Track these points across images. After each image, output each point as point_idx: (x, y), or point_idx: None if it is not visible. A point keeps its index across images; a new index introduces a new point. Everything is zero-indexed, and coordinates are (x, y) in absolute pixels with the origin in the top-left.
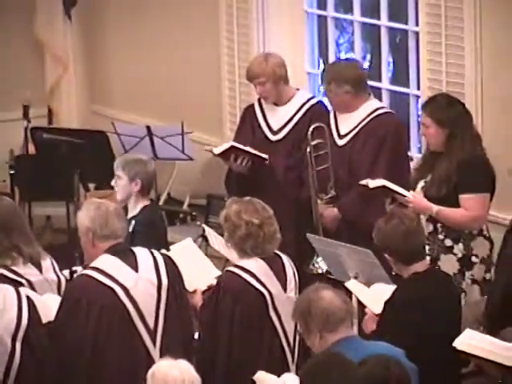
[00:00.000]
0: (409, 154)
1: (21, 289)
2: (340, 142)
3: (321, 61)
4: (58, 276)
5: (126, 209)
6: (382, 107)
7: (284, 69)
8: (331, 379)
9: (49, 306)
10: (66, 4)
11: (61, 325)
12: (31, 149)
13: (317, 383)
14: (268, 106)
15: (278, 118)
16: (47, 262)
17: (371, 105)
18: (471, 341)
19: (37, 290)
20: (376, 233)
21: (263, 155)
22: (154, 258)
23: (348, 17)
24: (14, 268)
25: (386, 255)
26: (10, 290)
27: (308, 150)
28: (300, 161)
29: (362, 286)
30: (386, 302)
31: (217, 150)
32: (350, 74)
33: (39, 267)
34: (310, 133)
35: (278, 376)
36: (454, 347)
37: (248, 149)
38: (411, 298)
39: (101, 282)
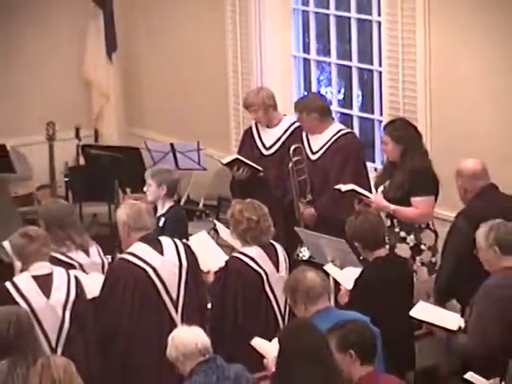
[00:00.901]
0: (373, 165)
1: (70, 270)
2: (313, 157)
3: (305, 93)
4: (102, 259)
5: (155, 208)
6: (344, 128)
7: (273, 99)
8: (300, 337)
9: (94, 284)
10: (108, 49)
11: (104, 298)
12: (82, 161)
13: (289, 340)
14: (262, 127)
15: (270, 137)
16: (94, 249)
17: (335, 127)
18: (423, 310)
19: (86, 271)
20: (348, 226)
21: (259, 167)
22: (176, 245)
23: (326, 59)
24: (68, 253)
25: (355, 243)
26: (61, 271)
27: (290, 165)
28: (285, 171)
29: (337, 269)
30: (356, 280)
31: (224, 161)
32: (316, 105)
33: (87, 253)
34: (291, 151)
35: (271, 339)
36: (410, 315)
37: (248, 161)
38: (375, 277)
39: (135, 264)
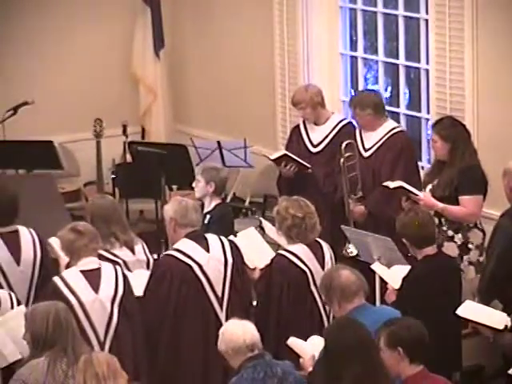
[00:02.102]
0: (420, 163)
1: (117, 266)
2: (365, 154)
3: (352, 91)
4: (147, 257)
5: (202, 205)
6: (397, 127)
7: (321, 96)
8: (345, 334)
9: (138, 283)
10: (155, 46)
11: (149, 293)
12: (128, 158)
13: (335, 338)
14: (310, 125)
15: (318, 135)
16: (139, 246)
17: (388, 125)
18: (470, 309)
19: (130, 268)
20: (397, 222)
21: (307, 164)
22: (222, 242)
23: (374, 57)
24: (112, 251)
25: (403, 240)
26: (109, 266)
27: (341, 161)
28: (334, 169)
29: (384, 268)
30: (403, 279)
31: (272, 156)
32: (371, 101)
33: (132, 250)
34: (342, 147)
35: None
36: (457, 314)
37: (296, 158)
38: (423, 275)
39: (181, 260)
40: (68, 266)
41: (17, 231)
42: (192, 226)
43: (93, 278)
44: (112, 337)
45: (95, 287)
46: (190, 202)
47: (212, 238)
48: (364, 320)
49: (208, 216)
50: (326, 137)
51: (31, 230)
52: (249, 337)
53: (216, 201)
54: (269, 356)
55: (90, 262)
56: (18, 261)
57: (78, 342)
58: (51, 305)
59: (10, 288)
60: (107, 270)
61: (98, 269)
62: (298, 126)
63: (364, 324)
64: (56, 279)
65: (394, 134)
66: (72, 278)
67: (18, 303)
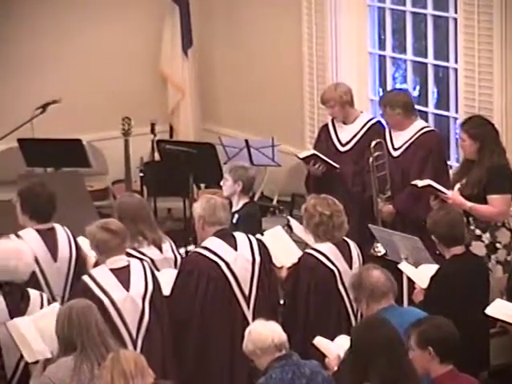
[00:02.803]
0: (448, 162)
1: (145, 262)
2: (395, 154)
3: (380, 90)
4: (175, 255)
5: (230, 204)
6: (427, 126)
7: (350, 95)
8: (372, 332)
9: (165, 281)
10: (184, 44)
11: (177, 291)
12: (157, 157)
13: (363, 337)
14: (338, 124)
15: (346, 134)
16: (167, 245)
17: (418, 124)
18: (499, 308)
19: (158, 266)
20: (428, 219)
21: (335, 164)
22: (250, 241)
23: (402, 56)
24: (140, 249)
25: (433, 237)
26: (137, 263)
27: (370, 160)
28: (363, 168)
29: (412, 267)
30: (431, 278)
31: (301, 155)
32: (401, 100)
33: (160, 248)
34: (372, 147)
35: None
36: (485, 313)
37: (325, 158)
38: (451, 275)
39: (208, 258)
40: (96, 265)
41: (53, 228)
42: (220, 224)
43: (122, 275)
44: (144, 334)
45: (126, 285)
46: (218, 200)
47: (240, 237)
48: (391, 321)
49: (236, 215)
50: (355, 136)
51: (65, 228)
52: (277, 336)
53: (244, 200)
54: (296, 356)
55: (119, 260)
56: (55, 257)
57: (105, 341)
58: (69, 304)
59: (47, 284)
60: (136, 267)
61: (127, 266)
62: (326, 125)
63: (392, 323)
64: (86, 278)
65: (424, 133)
66: (102, 276)
67: (49, 303)
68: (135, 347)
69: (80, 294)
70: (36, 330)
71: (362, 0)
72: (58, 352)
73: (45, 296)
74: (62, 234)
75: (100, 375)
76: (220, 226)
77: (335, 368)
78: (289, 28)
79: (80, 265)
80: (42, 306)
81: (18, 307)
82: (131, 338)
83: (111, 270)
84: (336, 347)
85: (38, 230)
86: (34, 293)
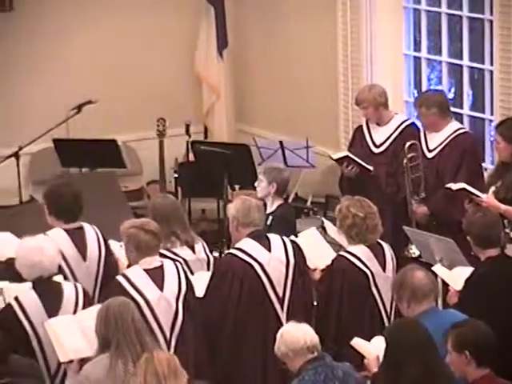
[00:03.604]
0: (483, 164)
1: (177, 263)
2: (429, 155)
3: (415, 92)
4: (207, 256)
5: (265, 205)
6: (462, 128)
7: (384, 97)
8: (404, 335)
9: (199, 283)
10: (219, 46)
11: (211, 292)
12: (191, 157)
13: (396, 338)
14: (372, 125)
15: (380, 135)
16: (199, 245)
17: (453, 126)
18: None
19: (190, 267)
20: (464, 220)
21: (369, 167)
22: (284, 242)
23: (437, 58)
24: (173, 249)
25: (468, 239)
26: (170, 263)
27: (405, 161)
28: (397, 169)
29: (446, 270)
30: (466, 280)
31: (335, 156)
32: (436, 100)
33: (193, 249)
34: (406, 148)
35: None
36: None
37: (358, 160)
38: (487, 277)
39: (242, 259)
40: (129, 267)
41: (82, 228)
42: (254, 225)
43: (156, 276)
44: (177, 334)
45: (160, 285)
46: (253, 201)
47: (274, 238)
48: (432, 323)
49: (270, 217)
50: (389, 137)
51: (94, 226)
52: (309, 338)
53: (278, 201)
54: (329, 358)
55: (153, 261)
56: (84, 257)
57: (139, 339)
58: (106, 303)
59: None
60: (169, 267)
61: (161, 266)
62: (360, 127)
63: (425, 326)
64: (120, 278)
65: (459, 134)
66: (136, 276)
67: (85, 295)
68: (169, 347)
69: (114, 295)
70: (77, 328)
71: (397, 1)
72: (97, 350)
73: (79, 286)
74: (90, 233)
75: (134, 375)
76: (254, 228)
77: (375, 369)
78: (324, 29)
79: (109, 264)
80: (77, 298)
81: (52, 303)
82: (165, 338)
83: (145, 270)
84: (374, 348)
85: (66, 230)
86: (67, 285)
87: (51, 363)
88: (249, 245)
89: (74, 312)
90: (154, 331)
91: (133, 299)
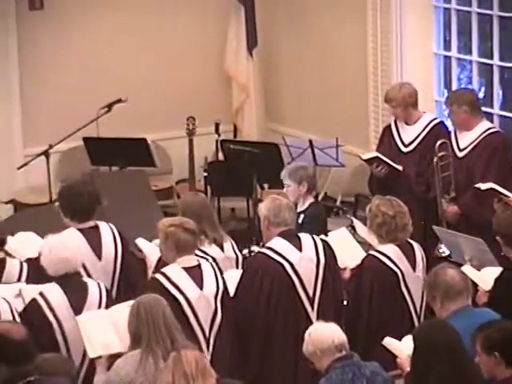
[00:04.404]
0: None
1: (212, 262)
2: (460, 154)
3: (445, 91)
4: (236, 254)
5: (296, 204)
6: (493, 127)
7: (414, 97)
8: (432, 335)
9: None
10: (249, 45)
11: (241, 290)
12: (221, 156)
13: (424, 338)
14: (401, 124)
15: (409, 135)
16: (228, 244)
17: (484, 125)
18: None
19: (219, 266)
20: (494, 220)
21: (398, 167)
22: (315, 241)
23: (467, 57)
24: (202, 248)
25: (497, 238)
26: (207, 262)
27: (435, 160)
28: (426, 168)
29: (475, 270)
30: (495, 280)
31: (364, 157)
32: (467, 98)
33: (221, 247)
34: (436, 147)
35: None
36: None
37: (388, 161)
38: None
39: (273, 258)
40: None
41: (97, 226)
42: (285, 224)
43: (195, 274)
44: (216, 333)
45: (199, 284)
46: (284, 200)
47: (305, 238)
48: (465, 321)
49: (302, 215)
50: (418, 136)
51: (111, 225)
52: (337, 337)
53: (310, 200)
54: (357, 357)
55: (191, 259)
56: (99, 256)
57: (170, 335)
58: (137, 299)
59: None
60: (206, 266)
61: (199, 265)
62: (389, 126)
63: (454, 326)
64: (159, 276)
65: (490, 134)
66: (176, 275)
67: (107, 292)
68: (208, 346)
69: (152, 292)
70: (109, 324)
71: (427, 1)
72: (129, 346)
73: (102, 285)
74: (106, 231)
75: (161, 375)
76: (285, 227)
77: (408, 368)
78: (354, 28)
79: (127, 262)
80: (100, 295)
81: (77, 298)
82: (204, 336)
83: (184, 268)
84: (406, 347)
85: (80, 230)
86: (91, 282)
87: (75, 358)
88: (279, 244)
89: (98, 308)
90: (194, 330)
91: (173, 297)
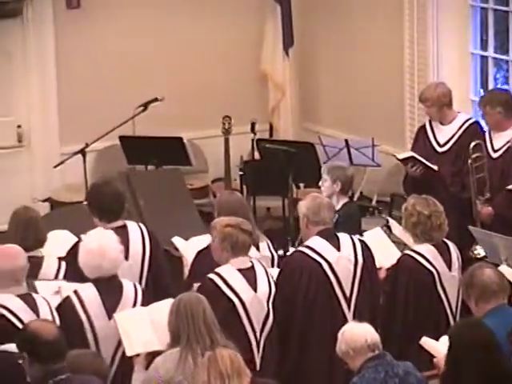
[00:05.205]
0: None
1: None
2: (494, 155)
3: (481, 91)
4: (272, 254)
5: None
6: None
7: (449, 97)
8: (467, 335)
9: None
10: (285, 44)
11: (279, 288)
12: (256, 155)
13: (459, 338)
14: (435, 124)
15: (444, 134)
16: (264, 243)
17: None
18: None
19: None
20: None
21: (434, 167)
22: (353, 241)
23: (504, 57)
24: None
25: None
26: (260, 264)
27: (469, 161)
28: (461, 168)
29: (511, 270)
30: None
31: (400, 156)
32: (502, 99)
33: (257, 247)
34: (471, 148)
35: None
36: None
37: (423, 160)
38: None
39: (311, 257)
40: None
41: (125, 226)
42: (324, 223)
43: (249, 276)
44: (266, 335)
45: (253, 286)
46: (324, 199)
47: (344, 237)
48: (500, 321)
49: (336, 215)
50: (453, 136)
51: (141, 224)
52: (370, 336)
53: (343, 200)
54: (389, 356)
55: (246, 260)
56: (125, 256)
57: (210, 334)
58: (178, 297)
59: None
60: (259, 268)
61: (253, 267)
62: (423, 126)
63: (490, 327)
64: (213, 277)
65: None
66: (230, 275)
67: (143, 294)
68: (258, 348)
69: (207, 293)
70: (148, 322)
71: (464, 0)
72: (169, 343)
73: (138, 286)
74: (134, 231)
75: (197, 374)
76: (324, 226)
77: (443, 368)
78: (390, 28)
79: (156, 261)
80: (135, 297)
81: (111, 299)
82: (256, 338)
83: (238, 269)
84: (443, 347)
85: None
86: (127, 284)
87: (105, 357)
88: (318, 243)
89: None
90: (246, 332)
91: (228, 298)
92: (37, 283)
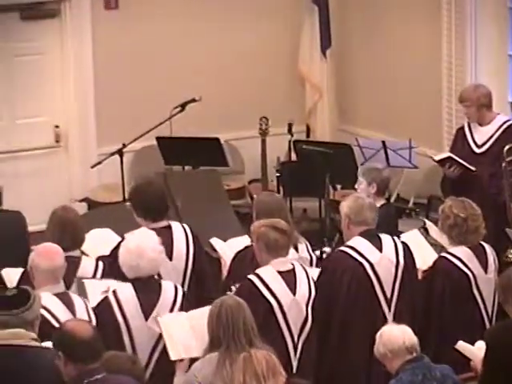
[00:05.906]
0: None
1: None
2: None
3: None
4: (310, 255)
5: None
6: None
7: (488, 98)
8: (504, 338)
9: None
10: (322, 46)
11: (320, 288)
12: (293, 157)
13: (496, 340)
14: (473, 125)
15: (482, 135)
16: (303, 245)
17: None
18: None
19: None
20: None
21: (471, 167)
22: (395, 243)
23: None
24: None
25: None
26: (300, 267)
27: (503, 165)
28: (499, 170)
29: None
30: None
31: (436, 157)
32: None
33: (296, 248)
34: (504, 152)
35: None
36: None
37: (461, 161)
38: None
39: (353, 257)
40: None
41: (169, 226)
42: (366, 224)
43: (289, 279)
44: (304, 339)
45: (292, 289)
46: (366, 199)
47: (386, 239)
48: None
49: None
50: (491, 137)
51: (184, 225)
52: (407, 338)
53: (380, 201)
54: (427, 359)
55: (286, 262)
56: (170, 256)
57: (249, 340)
58: (219, 301)
59: None
60: (300, 271)
61: (293, 269)
62: (462, 128)
63: None
64: (253, 278)
65: None
66: (270, 277)
67: (184, 295)
68: (295, 352)
69: (245, 294)
70: (189, 327)
71: (502, 2)
72: (207, 348)
73: (179, 287)
74: (179, 231)
75: (232, 375)
76: (366, 226)
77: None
78: (428, 29)
79: (200, 262)
80: (175, 299)
81: (149, 300)
82: (293, 342)
83: (278, 272)
84: (480, 351)
85: (153, 229)
86: (167, 285)
87: (141, 359)
88: (360, 243)
89: (171, 311)
90: (283, 335)
91: (266, 301)
92: (85, 282)
